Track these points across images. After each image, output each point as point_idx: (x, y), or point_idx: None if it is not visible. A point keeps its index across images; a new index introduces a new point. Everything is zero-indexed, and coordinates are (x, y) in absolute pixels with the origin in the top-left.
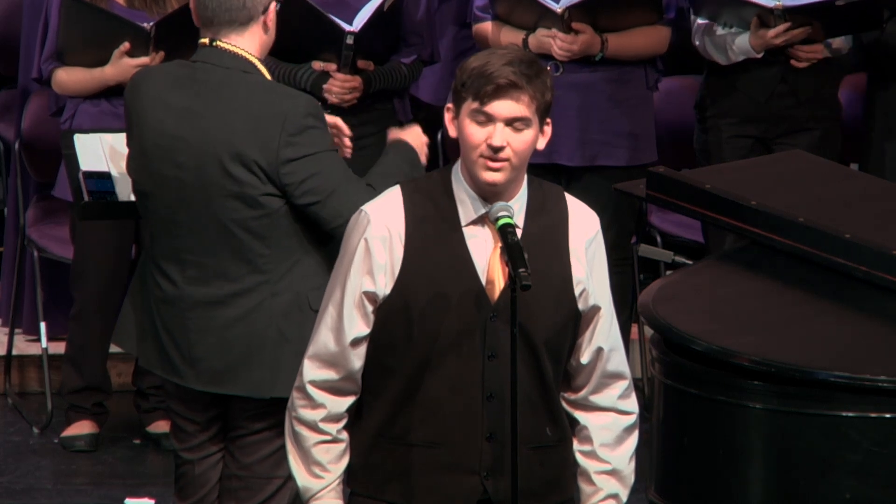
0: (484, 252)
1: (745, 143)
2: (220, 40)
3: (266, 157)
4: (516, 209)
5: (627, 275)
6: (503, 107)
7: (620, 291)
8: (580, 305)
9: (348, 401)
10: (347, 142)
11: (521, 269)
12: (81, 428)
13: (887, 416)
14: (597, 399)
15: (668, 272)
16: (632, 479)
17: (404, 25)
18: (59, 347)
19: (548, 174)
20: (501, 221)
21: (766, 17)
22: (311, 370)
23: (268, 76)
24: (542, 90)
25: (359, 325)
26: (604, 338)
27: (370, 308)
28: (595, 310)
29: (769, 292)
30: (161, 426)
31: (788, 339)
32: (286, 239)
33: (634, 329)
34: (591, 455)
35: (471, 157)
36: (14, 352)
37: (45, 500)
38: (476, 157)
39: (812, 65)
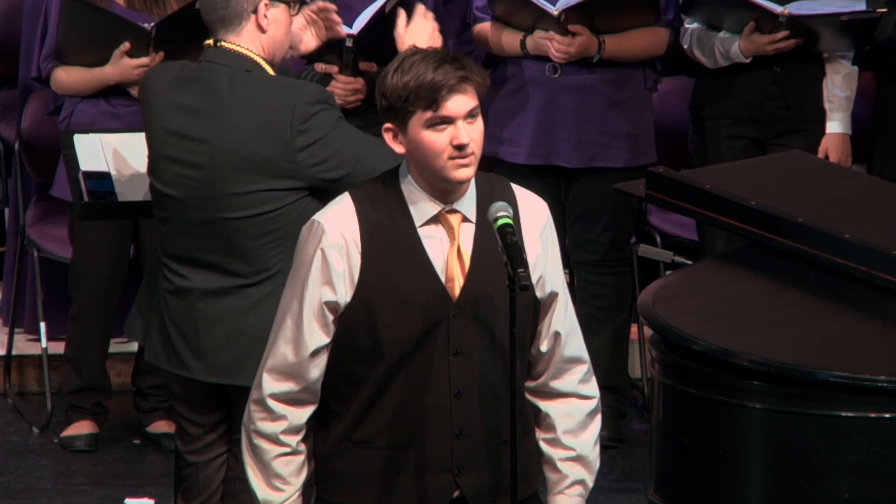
0: (441, 251)
1: (739, 143)
2: (223, 41)
3: (280, 150)
4: (467, 203)
5: (627, 275)
6: (458, 104)
7: (620, 291)
8: (538, 293)
9: (308, 411)
10: (335, 17)
11: (520, 270)
12: (81, 428)
13: (887, 416)
14: (557, 385)
15: (668, 272)
16: (597, 463)
17: None
18: (58, 347)
19: (546, 175)
20: (500, 221)
21: (764, 24)
22: (271, 383)
23: (271, 72)
24: (482, 75)
25: (318, 336)
26: (560, 322)
27: (331, 318)
28: (552, 296)
29: (769, 292)
30: (161, 426)
31: (788, 339)
32: (295, 233)
33: (634, 329)
34: (555, 443)
35: (438, 163)
36: (14, 352)
37: (44, 500)
38: (444, 161)
39: (804, 67)
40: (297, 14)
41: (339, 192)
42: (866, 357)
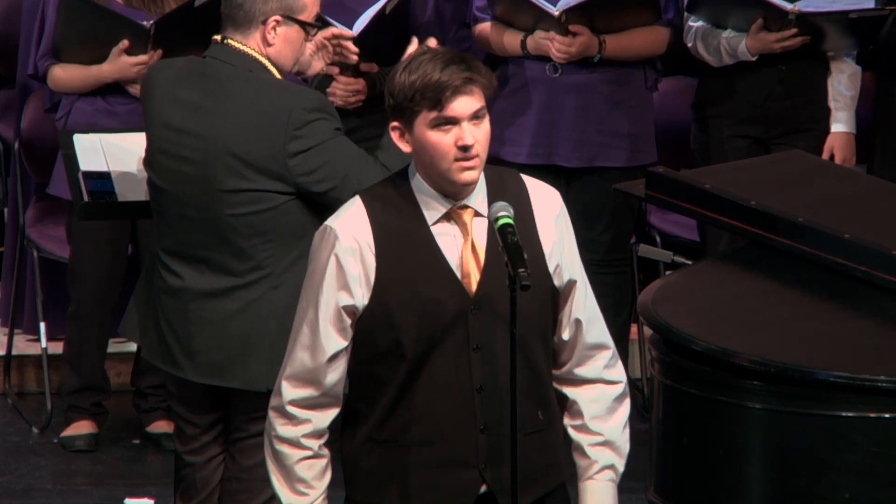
0: (455, 248)
1: (743, 143)
2: (230, 39)
3: (272, 152)
4: (479, 197)
5: (627, 275)
6: (464, 105)
7: (620, 291)
8: (556, 281)
9: (331, 414)
10: (351, 46)
11: (520, 270)
12: (81, 428)
13: (887, 416)
14: (582, 371)
15: (668, 272)
16: (626, 448)
17: (411, 26)
18: (58, 347)
19: (547, 175)
20: (501, 221)
21: (772, 22)
22: (290, 390)
23: (277, 75)
24: (488, 77)
25: (335, 341)
26: (581, 310)
27: (348, 322)
28: (571, 284)
29: (769, 292)
30: (160, 426)
31: (788, 339)
32: (288, 234)
33: (634, 329)
34: (583, 429)
35: (443, 165)
36: (14, 352)
37: (44, 500)
38: (450, 163)
39: (808, 66)
40: (311, 39)
41: (325, 203)
42: (866, 357)
